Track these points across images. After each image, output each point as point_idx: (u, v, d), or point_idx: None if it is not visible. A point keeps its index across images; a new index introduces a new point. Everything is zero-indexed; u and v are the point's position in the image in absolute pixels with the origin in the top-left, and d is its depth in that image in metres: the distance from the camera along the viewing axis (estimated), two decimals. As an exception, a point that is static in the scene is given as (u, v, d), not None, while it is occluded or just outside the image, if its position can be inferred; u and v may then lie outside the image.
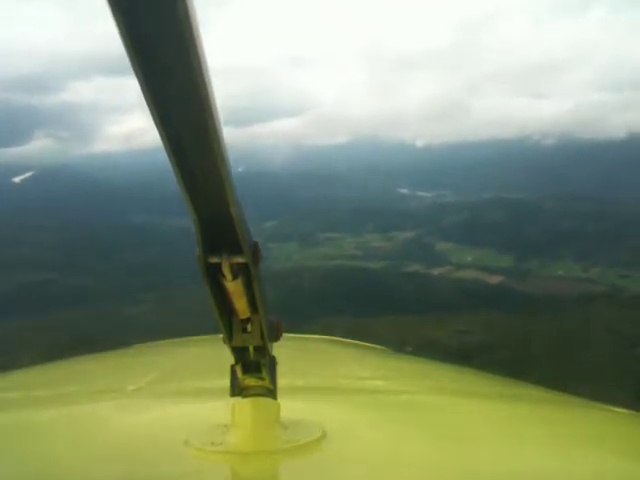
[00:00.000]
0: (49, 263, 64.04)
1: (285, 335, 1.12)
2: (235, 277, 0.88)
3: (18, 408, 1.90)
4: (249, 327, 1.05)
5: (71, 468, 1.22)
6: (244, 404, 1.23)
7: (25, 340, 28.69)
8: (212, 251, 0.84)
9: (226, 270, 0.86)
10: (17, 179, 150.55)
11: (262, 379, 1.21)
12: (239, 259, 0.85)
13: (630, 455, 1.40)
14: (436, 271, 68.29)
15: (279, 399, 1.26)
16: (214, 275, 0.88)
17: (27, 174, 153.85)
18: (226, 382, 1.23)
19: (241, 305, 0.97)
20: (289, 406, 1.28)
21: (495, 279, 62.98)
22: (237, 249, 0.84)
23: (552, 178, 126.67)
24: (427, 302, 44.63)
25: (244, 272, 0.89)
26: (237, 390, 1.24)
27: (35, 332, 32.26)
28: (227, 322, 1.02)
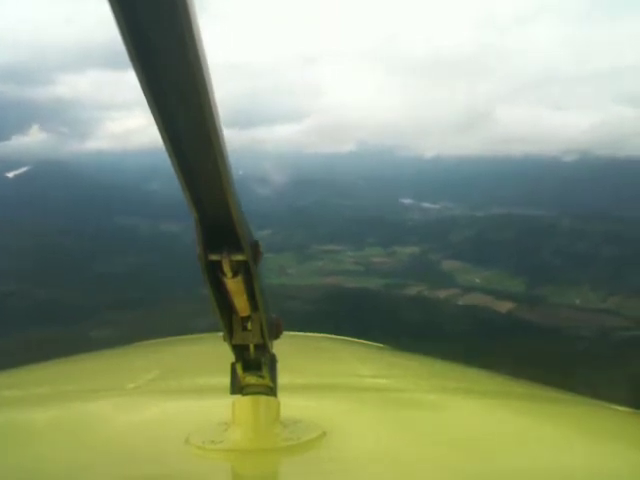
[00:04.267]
0: (15, 272, 58.06)
1: (285, 333, 1.13)
2: (235, 275, 0.89)
3: (16, 406, 1.87)
4: (249, 325, 1.06)
5: (71, 467, 1.21)
6: (244, 402, 1.23)
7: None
8: (212, 249, 0.85)
9: (226, 267, 0.87)
10: (10, 174, 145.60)
11: (262, 377, 1.21)
12: (239, 257, 0.86)
13: (631, 452, 1.44)
14: (442, 294, 62.88)
15: (279, 397, 1.27)
16: (214, 273, 0.90)
17: (21, 169, 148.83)
18: (226, 380, 1.23)
19: (241, 303, 0.99)
20: (289, 404, 1.29)
21: (505, 306, 57.64)
22: (237, 247, 0.85)
23: (569, 196, 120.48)
24: (434, 340, 39.11)
25: (244, 270, 0.90)
26: (237, 388, 1.24)
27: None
28: (227, 320, 1.03)
